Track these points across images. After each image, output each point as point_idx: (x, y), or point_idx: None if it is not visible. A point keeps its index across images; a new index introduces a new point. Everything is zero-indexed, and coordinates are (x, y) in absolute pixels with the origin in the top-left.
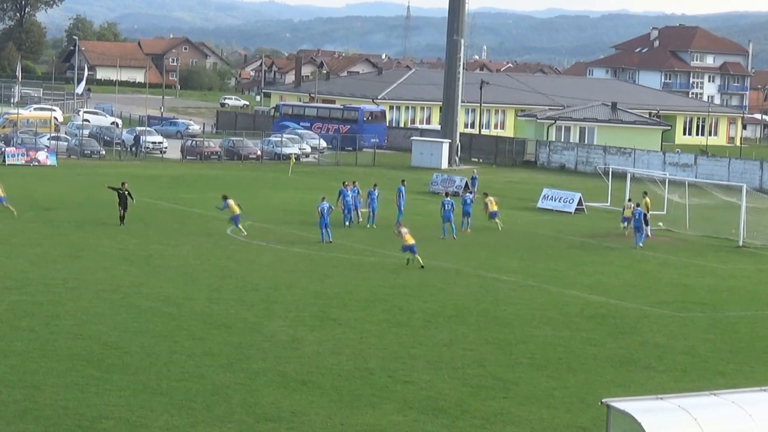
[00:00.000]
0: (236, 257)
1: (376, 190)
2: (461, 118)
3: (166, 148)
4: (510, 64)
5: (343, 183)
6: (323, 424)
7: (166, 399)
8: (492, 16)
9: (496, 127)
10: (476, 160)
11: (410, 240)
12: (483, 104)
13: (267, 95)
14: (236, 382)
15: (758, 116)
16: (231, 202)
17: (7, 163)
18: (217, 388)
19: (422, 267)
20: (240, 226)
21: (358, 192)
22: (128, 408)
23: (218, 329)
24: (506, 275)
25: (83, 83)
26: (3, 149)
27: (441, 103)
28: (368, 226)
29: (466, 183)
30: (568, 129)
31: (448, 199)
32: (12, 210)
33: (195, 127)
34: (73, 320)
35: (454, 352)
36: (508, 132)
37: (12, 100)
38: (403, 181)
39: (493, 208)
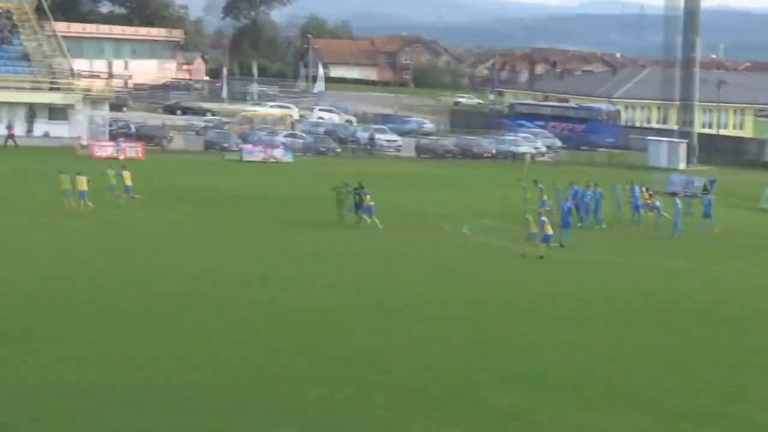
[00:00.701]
0: (470, 255)
1: (595, 191)
2: (698, 118)
3: (400, 146)
4: (748, 63)
5: (571, 184)
6: (563, 425)
7: (405, 397)
8: (728, 14)
9: (734, 127)
10: (714, 161)
11: (549, 230)
12: (721, 104)
13: (500, 94)
14: (474, 381)
15: None
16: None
17: (244, 159)
18: (454, 387)
19: (541, 257)
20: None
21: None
22: (366, 406)
23: (455, 327)
24: (753, 278)
25: (321, 82)
26: (241, 146)
27: (677, 102)
28: (598, 227)
29: (705, 185)
30: None
31: (677, 199)
32: (137, 198)
33: (429, 126)
34: (314, 318)
35: (701, 357)
36: (747, 132)
37: (248, 98)
38: (632, 182)
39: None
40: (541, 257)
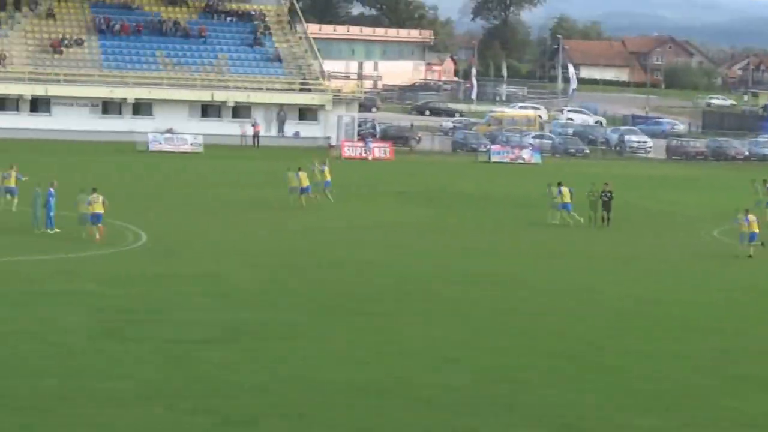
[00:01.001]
0: (717, 259)
1: None
2: None
3: (650, 147)
4: None
5: None
6: None
7: (646, 400)
8: None
9: None
10: None
11: (755, 227)
12: None
13: (755, 95)
14: (721, 387)
15: None
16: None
17: (492, 160)
18: (700, 391)
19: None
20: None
21: None
22: (608, 407)
23: (700, 332)
24: None
25: (575, 82)
26: (489, 147)
27: None
28: None
29: None
30: None
31: None
32: (329, 197)
33: (680, 127)
34: (555, 318)
35: None
36: None
37: (497, 99)
38: None
39: None
40: (750, 256)
